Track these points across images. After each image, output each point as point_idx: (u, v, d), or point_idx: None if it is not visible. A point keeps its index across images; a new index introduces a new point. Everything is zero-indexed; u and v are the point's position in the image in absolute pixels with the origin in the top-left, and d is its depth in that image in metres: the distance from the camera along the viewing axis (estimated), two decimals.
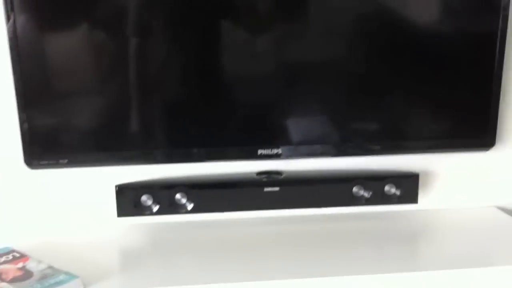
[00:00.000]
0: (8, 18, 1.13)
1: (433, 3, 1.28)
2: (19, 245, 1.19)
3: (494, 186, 1.45)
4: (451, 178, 1.43)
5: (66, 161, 1.23)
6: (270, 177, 1.33)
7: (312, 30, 1.27)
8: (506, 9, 1.25)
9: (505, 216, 1.41)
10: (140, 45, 1.22)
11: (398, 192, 1.35)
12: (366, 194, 1.34)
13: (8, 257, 1.13)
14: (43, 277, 1.04)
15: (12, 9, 1.12)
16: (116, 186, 1.28)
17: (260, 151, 1.27)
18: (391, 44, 1.28)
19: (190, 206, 1.30)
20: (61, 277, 1.04)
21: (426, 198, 1.41)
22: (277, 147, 1.28)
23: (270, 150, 1.27)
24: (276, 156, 1.28)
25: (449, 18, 1.29)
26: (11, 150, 1.24)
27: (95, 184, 1.33)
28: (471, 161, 1.41)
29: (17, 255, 1.14)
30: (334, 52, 1.28)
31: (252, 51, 1.27)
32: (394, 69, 1.30)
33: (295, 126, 1.30)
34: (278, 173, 1.34)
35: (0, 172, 1.30)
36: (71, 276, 1.04)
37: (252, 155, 1.28)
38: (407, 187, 1.35)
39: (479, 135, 1.34)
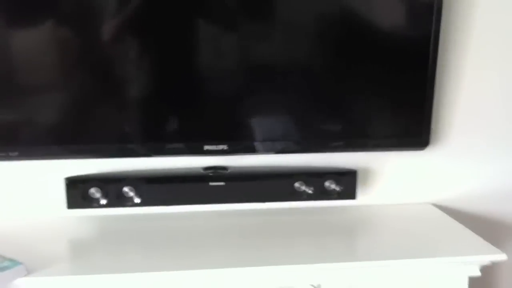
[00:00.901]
0: None
1: (378, 6, 1.34)
2: None
3: (430, 183, 1.53)
4: (389, 176, 1.51)
5: (16, 153, 1.27)
6: (216, 172, 1.39)
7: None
8: (439, 12, 1.33)
9: (439, 212, 1.49)
10: (95, 42, 1.27)
11: (337, 188, 1.42)
12: (308, 190, 1.41)
13: None
14: None
15: None
16: (65, 179, 1.33)
17: (206, 147, 1.34)
18: (337, 43, 1.35)
19: (137, 200, 1.35)
20: (5, 263, 1.08)
21: (365, 195, 1.49)
22: (223, 143, 1.34)
23: (215, 146, 1.34)
24: (222, 152, 1.35)
25: (388, 20, 1.36)
26: None
27: (45, 176, 1.38)
28: (407, 159, 1.50)
29: None
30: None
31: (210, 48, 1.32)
32: (340, 68, 1.37)
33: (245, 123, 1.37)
34: (223, 168, 1.40)
35: None
36: (14, 262, 1.08)
37: (198, 151, 1.34)
38: (346, 183, 1.42)
39: (415, 134, 1.41)
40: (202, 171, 1.38)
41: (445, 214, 1.47)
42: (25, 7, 1.23)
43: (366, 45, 1.34)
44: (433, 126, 1.42)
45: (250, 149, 1.37)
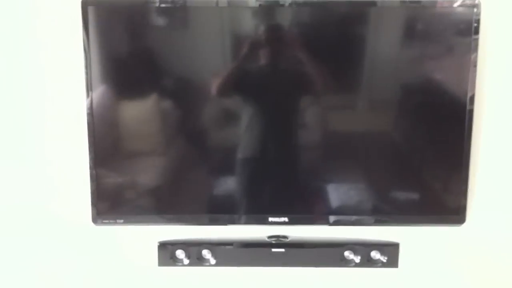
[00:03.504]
0: (87, 94, 1.51)
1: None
2: None
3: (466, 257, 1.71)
4: (429, 248, 1.70)
5: (122, 221, 1.60)
6: (278, 240, 1.65)
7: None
8: (472, 103, 1.52)
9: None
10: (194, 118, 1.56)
11: (382, 258, 1.65)
12: (356, 258, 1.65)
13: None
14: None
15: (91, 88, 1.51)
16: (158, 242, 1.67)
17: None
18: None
19: (213, 261, 1.66)
20: None
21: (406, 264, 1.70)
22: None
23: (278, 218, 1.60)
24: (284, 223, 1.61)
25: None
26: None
27: (140, 239, 1.71)
28: (445, 234, 1.69)
29: None
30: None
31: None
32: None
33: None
34: (284, 237, 1.67)
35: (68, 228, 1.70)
36: None
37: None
38: (390, 254, 1.65)
39: (452, 212, 1.59)
40: (266, 238, 1.67)
41: None
42: (132, 81, 1.55)
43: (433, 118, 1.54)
44: (469, 203, 1.59)
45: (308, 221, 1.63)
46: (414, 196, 1.59)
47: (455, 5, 1.46)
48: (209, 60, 1.53)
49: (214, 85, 1.51)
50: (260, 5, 1.46)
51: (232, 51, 1.51)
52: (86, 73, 1.49)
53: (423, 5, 1.47)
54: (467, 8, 1.46)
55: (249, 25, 1.50)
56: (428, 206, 1.60)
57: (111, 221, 1.59)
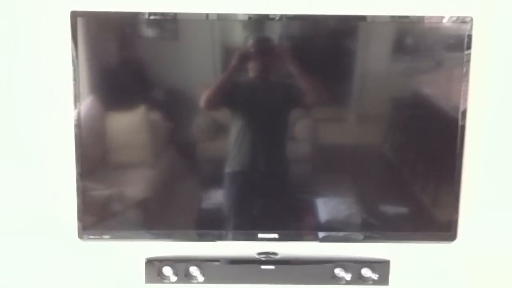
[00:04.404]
0: (75, 106, 1.49)
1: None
2: None
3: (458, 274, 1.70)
4: (420, 265, 1.68)
5: (108, 236, 1.57)
6: (268, 256, 1.62)
7: None
8: (464, 118, 1.51)
9: None
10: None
11: (373, 276, 1.62)
12: (346, 276, 1.62)
13: None
14: None
15: (79, 99, 1.49)
16: (145, 259, 1.64)
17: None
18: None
19: (201, 278, 1.63)
20: None
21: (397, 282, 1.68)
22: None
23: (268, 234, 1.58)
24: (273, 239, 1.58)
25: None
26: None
27: (126, 255, 1.68)
28: (437, 250, 1.67)
29: None
30: None
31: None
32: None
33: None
34: (274, 253, 1.63)
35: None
36: None
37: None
38: (381, 271, 1.63)
39: (444, 229, 1.57)
40: (256, 255, 1.64)
41: None
42: (121, 93, 1.53)
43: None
44: (461, 220, 1.57)
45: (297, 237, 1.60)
46: (405, 211, 1.57)
47: (445, 20, 1.46)
48: (198, 72, 1.53)
49: (202, 98, 1.50)
50: (249, 18, 1.47)
51: (222, 64, 1.51)
52: (74, 85, 1.48)
53: (412, 20, 1.47)
54: (458, 24, 1.47)
55: (239, 38, 1.50)
56: (419, 222, 1.58)
57: (97, 236, 1.57)
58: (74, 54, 1.46)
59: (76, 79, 1.48)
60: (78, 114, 1.49)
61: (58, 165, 1.60)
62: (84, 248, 1.65)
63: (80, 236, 1.55)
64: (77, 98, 1.49)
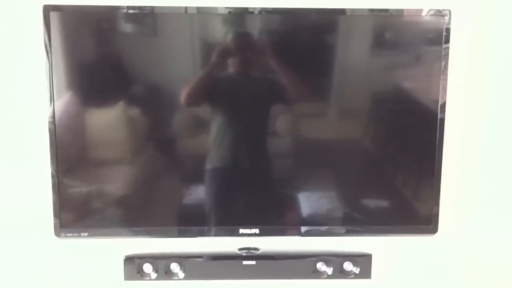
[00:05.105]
0: (50, 102, 1.46)
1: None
2: None
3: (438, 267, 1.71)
4: (401, 258, 1.70)
5: (86, 234, 1.54)
6: (249, 252, 1.62)
7: None
8: (443, 111, 1.52)
9: None
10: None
11: (355, 269, 1.63)
12: (328, 270, 1.62)
13: None
14: None
15: (53, 96, 1.45)
16: (124, 256, 1.61)
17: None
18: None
19: (182, 274, 1.61)
20: None
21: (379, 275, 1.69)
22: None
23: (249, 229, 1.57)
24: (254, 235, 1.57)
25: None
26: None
27: (105, 252, 1.65)
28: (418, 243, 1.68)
29: None
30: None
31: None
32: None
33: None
34: (255, 249, 1.63)
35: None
36: None
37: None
38: (363, 265, 1.63)
39: (425, 222, 1.57)
40: (237, 251, 1.63)
41: None
42: (99, 89, 1.50)
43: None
44: (441, 213, 1.58)
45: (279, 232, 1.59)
46: (386, 205, 1.58)
47: (423, 13, 1.46)
48: (178, 68, 1.50)
49: (182, 95, 1.48)
50: (229, 12, 1.45)
51: (202, 59, 1.49)
52: (49, 81, 1.44)
53: (391, 14, 1.47)
54: (436, 17, 1.47)
55: (219, 32, 1.48)
56: (400, 215, 1.59)
57: (74, 234, 1.53)
58: (48, 49, 1.43)
59: (50, 75, 1.44)
60: (53, 110, 1.46)
61: (36, 163, 1.57)
62: (62, 246, 1.63)
63: (57, 233, 1.52)
64: (51, 95, 1.45)
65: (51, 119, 1.46)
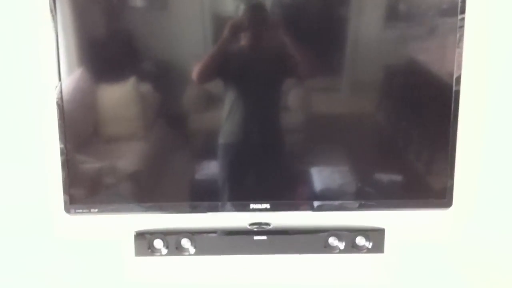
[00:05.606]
0: (58, 79, 1.44)
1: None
2: None
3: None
4: (415, 233, 1.69)
5: (96, 210, 1.53)
6: (260, 227, 1.61)
7: None
8: (458, 84, 1.49)
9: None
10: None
11: (367, 244, 1.62)
12: (340, 245, 1.62)
13: None
14: None
15: (60, 73, 1.43)
16: (135, 232, 1.61)
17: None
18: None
19: (192, 250, 1.61)
20: None
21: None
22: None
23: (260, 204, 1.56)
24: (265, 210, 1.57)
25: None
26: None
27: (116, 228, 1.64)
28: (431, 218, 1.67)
29: None
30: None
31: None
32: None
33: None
34: (267, 224, 1.62)
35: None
36: None
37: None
38: (375, 239, 1.62)
39: (439, 196, 1.56)
40: (248, 226, 1.62)
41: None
42: (110, 64, 1.48)
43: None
44: (456, 187, 1.55)
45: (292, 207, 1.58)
46: (399, 179, 1.56)
47: None
48: (189, 43, 1.48)
49: (194, 72, 1.45)
50: None
51: (213, 33, 1.45)
52: (57, 58, 1.42)
53: None
54: None
55: (230, 6, 1.45)
56: (414, 190, 1.57)
57: (85, 210, 1.53)
58: (55, 26, 1.40)
59: (57, 52, 1.41)
60: (60, 87, 1.44)
61: (46, 141, 1.55)
62: (72, 223, 1.62)
63: (67, 210, 1.51)
64: (59, 71, 1.43)
65: (59, 95, 1.44)
